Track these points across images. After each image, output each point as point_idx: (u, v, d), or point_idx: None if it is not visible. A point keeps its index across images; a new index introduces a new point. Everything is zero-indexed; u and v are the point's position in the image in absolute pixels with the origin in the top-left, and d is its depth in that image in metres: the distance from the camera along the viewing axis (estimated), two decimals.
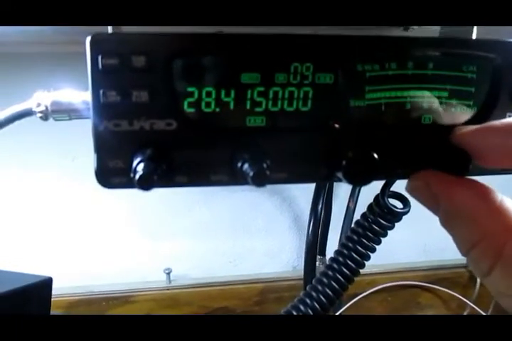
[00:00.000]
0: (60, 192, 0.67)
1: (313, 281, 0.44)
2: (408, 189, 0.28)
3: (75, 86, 0.32)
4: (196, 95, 0.26)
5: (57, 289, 0.50)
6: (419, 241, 0.83)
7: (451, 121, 0.29)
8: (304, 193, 0.73)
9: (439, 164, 0.26)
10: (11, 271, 0.50)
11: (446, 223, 0.26)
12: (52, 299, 0.50)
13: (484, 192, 0.25)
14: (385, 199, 0.38)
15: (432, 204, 0.26)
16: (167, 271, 0.74)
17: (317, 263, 0.66)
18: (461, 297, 0.80)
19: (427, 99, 0.28)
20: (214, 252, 0.76)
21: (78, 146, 0.60)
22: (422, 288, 0.81)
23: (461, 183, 0.26)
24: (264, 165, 0.23)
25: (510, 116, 0.29)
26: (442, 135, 0.28)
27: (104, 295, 0.71)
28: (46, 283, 0.49)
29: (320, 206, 0.62)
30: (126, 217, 0.72)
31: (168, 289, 0.74)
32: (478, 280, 0.80)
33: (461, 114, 0.29)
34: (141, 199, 0.70)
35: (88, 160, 0.26)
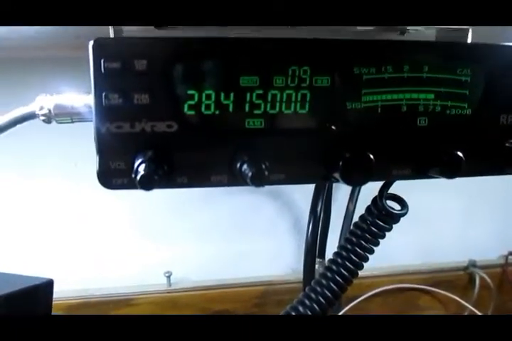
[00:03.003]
0: (63, 196, 0.68)
1: (313, 283, 0.45)
2: None
3: (76, 88, 0.32)
4: (196, 98, 0.26)
5: (57, 292, 0.50)
6: (418, 243, 0.84)
7: (446, 123, 0.29)
8: (303, 196, 0.73)
9: (434, 165, 0.27)
10: (11, 273, 0.51)
11: None
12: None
13: None
14: (383, 201, 0.38)
15: None
16: (167, 274, 0.74)
17: (316, 265, 0.66)
18: (460, 300, 0.80)
19: (423, 102, 0.29)
20: (214, 255, 0.76)
21: (81, 151, 0.60)
22: (422, 291, 0.82)
23: None
24: (263, 166, 0.24)
25: (503, 118, 0.29)
26: (437, 137, 0.28)
27: (105, 299, 0.71)
28: (47, 285, 0.49)
29: (319, 208, 0.62)
30: (126, 221, 0.72)
31: (168, 292, 0.74)
32: (477, 282, 0.80)
33: (456, 116, 0.29)
34: (142, 203, 0.71)
35: (90, 164, 0.27)
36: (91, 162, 0.27)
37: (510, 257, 0.83)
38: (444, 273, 0.84)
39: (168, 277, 0.74)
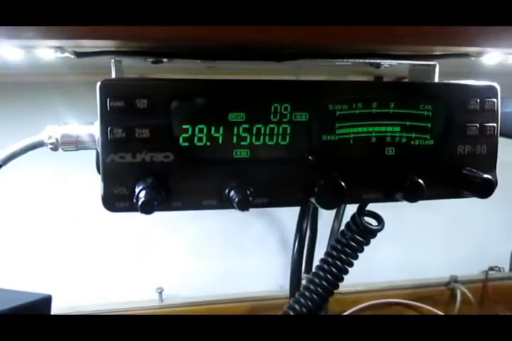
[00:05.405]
0: (51, 212, 0.70)
1: (297, 295, 0.48)
2: None
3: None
4: (190, 131, 0.30)
5: None
6: (402, 260, 0.87)
7: (411, 152, 0.33)
8: (291, 214, 0.76)
9: (398, 191, 0.31)
10: (9, 289, 0.52)
11: None
12: None
13: None
14: (361, 217, 0.41)
15: None
16: (159, 290, 0.76)
17: (303, 281, 0.69)
18: (442, 314, 0.83)
19: (390, 134, 0.33)
20: (203, 272, 0.78)
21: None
22: (406, 306, 0.84)
23: None
24: (248, 193, 0.27)
25: (461, 148, 0.33)
26: (403, 165, 0.32)
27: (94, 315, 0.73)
28: (46, 301, 0.51)
29: (305, 226, 0.65)
30: (117, 238, 0.74)
31: (159, 308, 0.76)
32: (459, 297, 0.83)
33: (419, 146, 0.33)
34: (132, 221, 0.73)
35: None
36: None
37: (490, 272, 0.86)
38: (427, 288, 0.86)
39: (160, 293, 0.76)
